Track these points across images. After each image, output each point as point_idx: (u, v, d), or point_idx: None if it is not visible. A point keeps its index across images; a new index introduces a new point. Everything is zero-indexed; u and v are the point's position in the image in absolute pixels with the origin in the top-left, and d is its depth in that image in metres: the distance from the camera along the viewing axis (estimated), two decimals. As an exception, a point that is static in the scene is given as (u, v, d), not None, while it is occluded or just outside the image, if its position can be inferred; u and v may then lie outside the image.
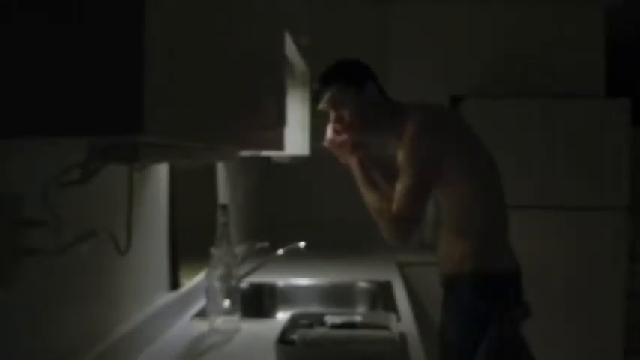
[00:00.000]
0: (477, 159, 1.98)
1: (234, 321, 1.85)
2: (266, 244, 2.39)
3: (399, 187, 1.87)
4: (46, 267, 1.20)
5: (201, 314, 2.01)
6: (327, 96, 2.01)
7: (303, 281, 2.61)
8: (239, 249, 2.35)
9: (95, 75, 0.74)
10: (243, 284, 2.28)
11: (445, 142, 1.90)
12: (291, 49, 2.24)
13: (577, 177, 3.44)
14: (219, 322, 1.83)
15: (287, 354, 1.58)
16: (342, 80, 2.00)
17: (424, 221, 3.48)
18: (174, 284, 2.01)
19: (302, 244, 2.39)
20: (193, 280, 2.15)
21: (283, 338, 1.64)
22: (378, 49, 3.76)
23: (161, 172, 1.91)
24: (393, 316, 1.82)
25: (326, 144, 2.10)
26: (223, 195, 2.69)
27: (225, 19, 1.12)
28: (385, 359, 1.57)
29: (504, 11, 3.74)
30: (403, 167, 1.89)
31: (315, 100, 2.08)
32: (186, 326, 1.92)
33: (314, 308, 2.50)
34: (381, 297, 2.39)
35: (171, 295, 1.95)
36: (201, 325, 1.88)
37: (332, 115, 2.06)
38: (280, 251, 2.35)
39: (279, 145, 1.77)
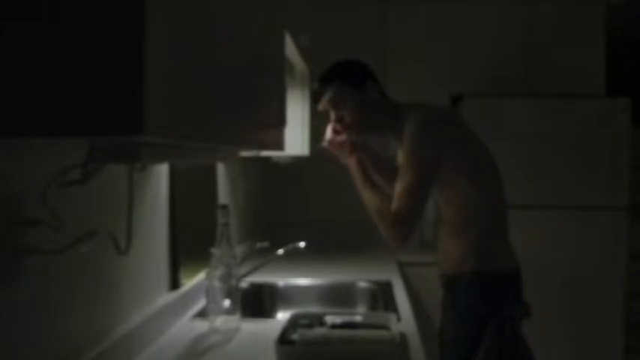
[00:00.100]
0: (476, 159, 1.97)
1: (234, 321, 1.85)
2: (266, 244, 2.39)
3: (399, 187, 1.87)
4: (46, 267, 1.21)
5: (201, 314, 2.01)
6: (327, 96, 2.02)
7: (303, 281, 2.61)
8: (239, 249, 2.35)
9: (95, 75, 0.74)
10: (244, 284, 2.28)
11: (445, 142, 1.90)
12: (291, 49, 2.24)
13: (577, 177, 3.44)
14: (219, 322, 1.83)
15: (287, 354, 1.58)
16: (341, 80, 2.00)
17: (424, 221, 3.50)
18: (175, 284, 2.01)
19: (302, 244, 2.39)
20: (193, 280, 2.15)
21: (283, 338, 1.64)
22: (378, 49, 3.76)
23: (161, 172, 1.91)
24: (393, 316, 1.82)
25: (325, 144, 2.10)
26: (223, 195, 2.69)
27: (225, 20, 1.12)
28: (385, 359, 1.57)
29: (504, 11, 3.74)
30: (403, 167, 1.89)
31: (315, 100, 2.08)
32: (186, 326, 1.92)
33: (314, 308, 2.50)
34: (381, 297, 2.38)
35: (171, 295, 1.95)
36: (201, 325, 1.88)
37: (332, 115, 2.06)
38: (280, 251, 2.35)
39: (279, 145, 1.77)
